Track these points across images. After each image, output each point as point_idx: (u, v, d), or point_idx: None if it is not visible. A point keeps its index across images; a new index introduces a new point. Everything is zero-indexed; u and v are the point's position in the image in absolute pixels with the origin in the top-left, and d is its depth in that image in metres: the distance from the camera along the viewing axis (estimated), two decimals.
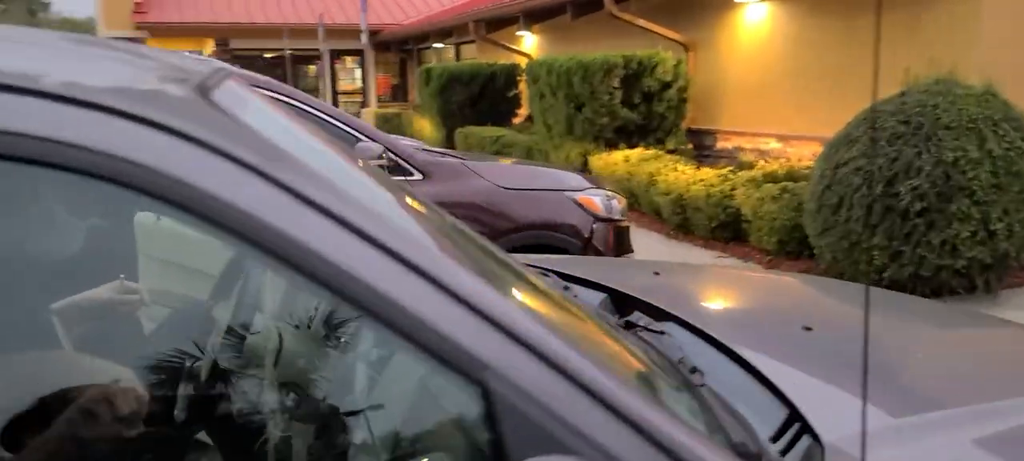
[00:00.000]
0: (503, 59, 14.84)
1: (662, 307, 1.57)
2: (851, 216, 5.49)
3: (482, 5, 14.78)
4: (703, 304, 1.75)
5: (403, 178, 3.74)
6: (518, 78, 13.76)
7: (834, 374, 1.32)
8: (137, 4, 20.95)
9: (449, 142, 14.28)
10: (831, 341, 1.49)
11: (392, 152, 3.75)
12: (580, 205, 4.16)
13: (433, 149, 4.88)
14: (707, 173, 7.64)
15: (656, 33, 10.64)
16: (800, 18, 8.81)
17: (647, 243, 7.72)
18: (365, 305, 0.81)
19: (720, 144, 10.29)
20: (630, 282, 1.97)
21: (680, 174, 7.86)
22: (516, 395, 0.80)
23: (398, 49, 22.52)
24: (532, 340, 0.83)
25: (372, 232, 0.84)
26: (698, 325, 1.47)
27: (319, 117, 3.63)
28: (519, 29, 14.15)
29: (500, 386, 0.80)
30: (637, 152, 9.02)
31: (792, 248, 6.48)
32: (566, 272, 1.88)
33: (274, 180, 0.80)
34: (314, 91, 22.00)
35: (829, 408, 1.19)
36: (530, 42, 15.21)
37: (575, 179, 4.41)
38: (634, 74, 9.48)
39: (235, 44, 22.18)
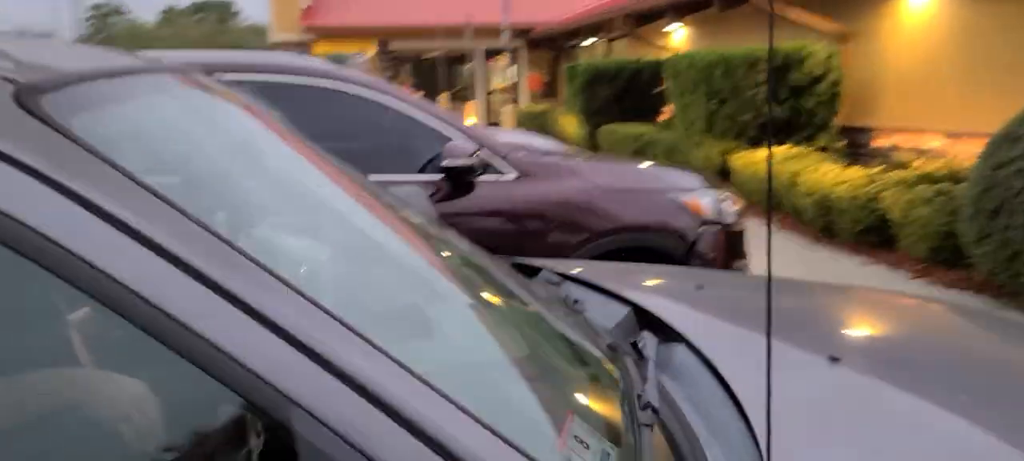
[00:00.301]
0: (652, 54, 14.52)
1: (674, 327, 1.42)
2: (1012, 222, 4.93)
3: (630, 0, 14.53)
4: (726, 323, 1.57)
5: (496, 177, 3.69)
6: (663, 74, 13.42)
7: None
8: (307, 9, 22.20)
9: (592, 140, 14.15)
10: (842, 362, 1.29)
11: (488, 152, 3.70)
12: (685, 207, 3.95)
13: (540, 147, 4.79)
14: (854, 173, 7.10)
15: (808, 25, 10.03)
16: (970, 4, 8.01)
17: (785, 247, 7.29)
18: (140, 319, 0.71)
19: (876, 142, 9.55)
20: (662, 295, 1.81)
21: (824, 174, 7.35)
22: (326, 439, 0.70)
23: (550, 46, 22.58)
24: (359, 374, 0.73)
25: (172, 246, 0.74)
26: (702, 348, 1.31)
27: (407, 115, 3.63)
28: (668, 23, 13.80)
29: (306, 428, 0.70)
30: (780, 150, 8.54)
31: (946, 256, 5.90)
32: (597, 283, 1.75)
33: (66, 191, 0.73)
34: (467, 89, 22.50)
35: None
36: (680, 36, 14.81)
37: (684, 179, 4.19)
38: (780, 68, 8.97)
39: (395, 45, 23.08)
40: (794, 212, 7.95)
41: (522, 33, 23.09)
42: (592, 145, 14.21)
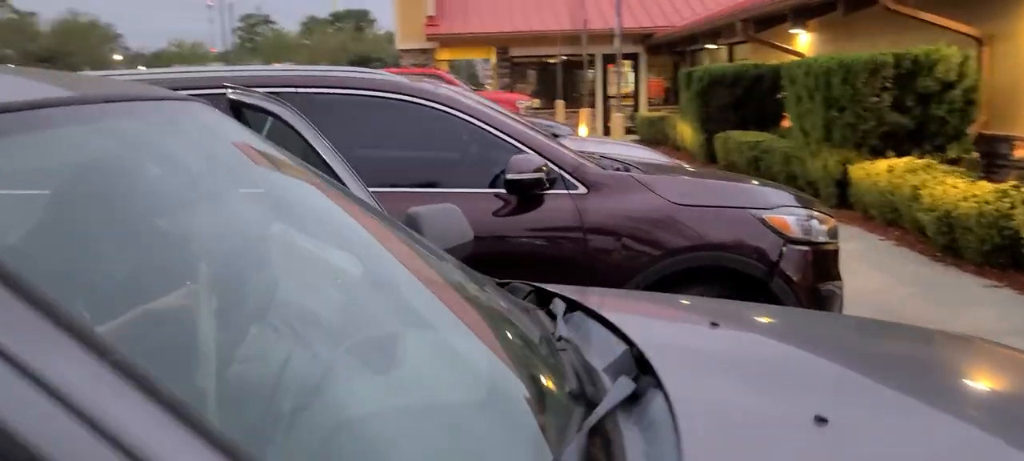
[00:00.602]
0: (775, 60, 13.97)
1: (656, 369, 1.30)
2: None
3: (750, 4, 14.02)
4: (725, 376, 1.42)
5: (563, 192, 3.59)
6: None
7: None
8: (429, 18, 22.72)
9: (708, 147, 13.74)
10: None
11: (554, 164, 3.61)
12: (768, 224, 3.72)
13: (640, 159, 4.65)
14: (983, 187, 6.53)
15: (942, 26, 9.36)
16: None
17: (901, 265, 6.80)
18: None
19: (1019, 152, 8.77)
20: (666, 331, 1.69)
21: (949, 188, 6.81)
22: None
23: (670, 52, 22.15)
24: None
25: None
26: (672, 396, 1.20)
27: (474, 127, 3.59)
28: (791, 27, 13.22)
29: None
30: (904, 161, 7.98)
31: None
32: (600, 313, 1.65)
33: None
34: (588, 96, 22.36)
35: None
36: (804, 40, 14.16)
37: (771, 196, 3.94)
38: (907, 74, 8.40)
39: (515, 52, 23.28)
40: (915, 228, 7.41)
41: (643, 38, 22.77)
42: (708, 153, 13.81)
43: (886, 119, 8.47)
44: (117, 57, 67.06)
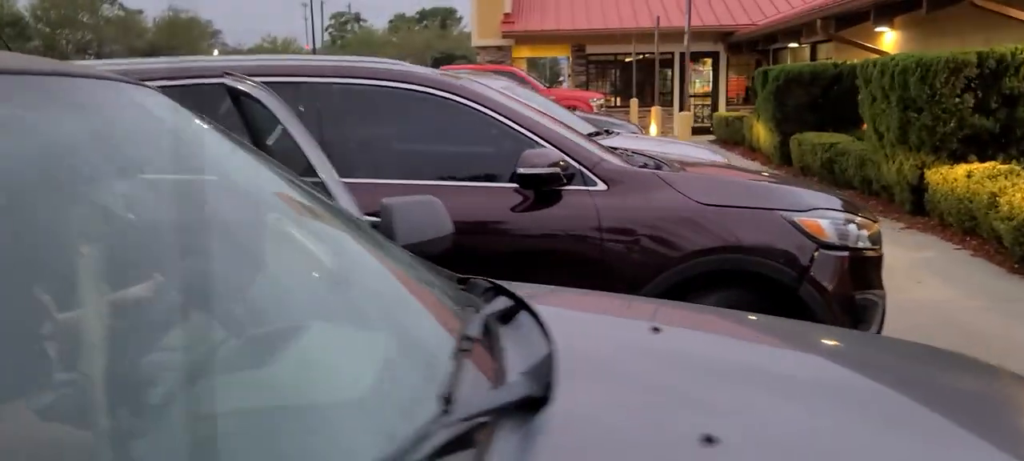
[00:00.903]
0: (859, 58, 13.38)
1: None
2: None
3: (831, 1, 13.48)
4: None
5: (581, 188, 3.46)
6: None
7: None
8: (506, 15, 22.73)
9: (783, 149, 13.27)
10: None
11: (572, 159, 3.48)
12: (799, 227, 3.50)
13: (639, 155, 4.46)
14: None
15: None
16: None
17: (972, 275, 6.37)
18: None
19: None
20: (591, 330, 1.57)
21: None
22: None
23: (752, 50, 21.55)
24: None
25: None
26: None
27: (490, 117, 3.49)
28: (875, 25, 12.65)
29: None
30: (985, 167, 7.50)
31: None
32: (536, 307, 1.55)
33: None
34: (665, 95, 21.98)
35: None
36: (889, 39, 13.53)
37: (806, 197, 3.72)
38: (991, 73, 7.88)
39: (591, 50, 23.08)
40: (993, 238, 6.94)
41: (724, 36, 22.23)
42: (782, 154, 13.34)
43: (967, 121, 7.97)
44: (215, 52, 69.67)
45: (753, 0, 22.42)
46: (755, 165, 13.95)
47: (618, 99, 22.92)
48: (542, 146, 3.48)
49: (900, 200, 8.87)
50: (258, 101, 2.38)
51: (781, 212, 3.52)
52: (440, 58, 51.24)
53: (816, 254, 3.48)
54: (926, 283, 6.29)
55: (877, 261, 3.78)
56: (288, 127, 2.32)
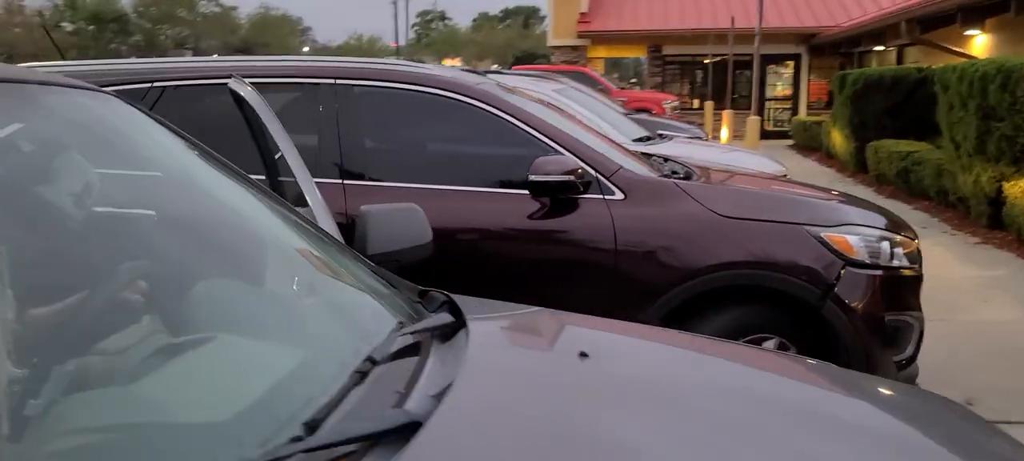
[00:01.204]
0: (946, 63, 12.76)
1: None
2: None
3: (915, 3, 12.90)
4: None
5: (597, 197, 3.39)
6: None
7: None
8: (582, 15, 22.60)
9: (859, 156, 12.77)
10: None
11: (589, 167, 3.41)
12: (825, 243, 3.34)
13: (673, 162, 4.34)
14: None
15: None
16: None
17: None
18: None
19: None
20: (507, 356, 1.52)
21: None
22: None
23: (834, 53, 20.82)
24: None
25: None
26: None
27: (507, 122, 3.45)
28: (963, 29, 12.05)
29: None
30: None
31: None
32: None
33: None
34: (743, 97, 21.45)
35: None
36: (980, 43, 12.86)
37: (836, 212, 3.55)
38: None
39: (668, 50, 22.73)
40: None
41: (806, 38, 21.57)
42: (858, 162, 12.84)
43: None
44: (305, 49, 71.57)
45: (838, 1, 21.66)
46: (829, 173, 13.48)
47: (697, 101, 22.48)
48: (559, 152, 3.42)
49: (976, 213, 8.42)
50: (249, 104, 2.41)
51: (806, 226, 3.38)
52: (521, 57, 51.29)
53: (843, 271, 3.33)
54: (994, 302, 5.96)
55: (914, 281, 3.59)
56: (269, 128, 2.34)
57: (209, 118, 3.32)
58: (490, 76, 5.80)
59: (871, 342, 3.34)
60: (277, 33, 67.40)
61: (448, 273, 3.33)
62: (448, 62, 37.15)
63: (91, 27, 48.99)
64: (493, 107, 3.48)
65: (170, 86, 3.45)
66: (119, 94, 1.77)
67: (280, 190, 2.59)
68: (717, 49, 20.93)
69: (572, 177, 3.32)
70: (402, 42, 63.32)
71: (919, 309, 3.59)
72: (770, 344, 3.39)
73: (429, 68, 3.72)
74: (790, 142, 19.53)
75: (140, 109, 1.79)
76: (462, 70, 8.49)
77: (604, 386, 1.38)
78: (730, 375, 1.58)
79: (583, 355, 1.49)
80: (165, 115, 3.41)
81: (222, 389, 1.21)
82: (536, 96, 4.21)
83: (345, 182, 3.38)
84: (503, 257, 3.39)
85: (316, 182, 3.33)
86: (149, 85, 3.44)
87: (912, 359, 3.54)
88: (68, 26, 48.28)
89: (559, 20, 22.92)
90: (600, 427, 1.20)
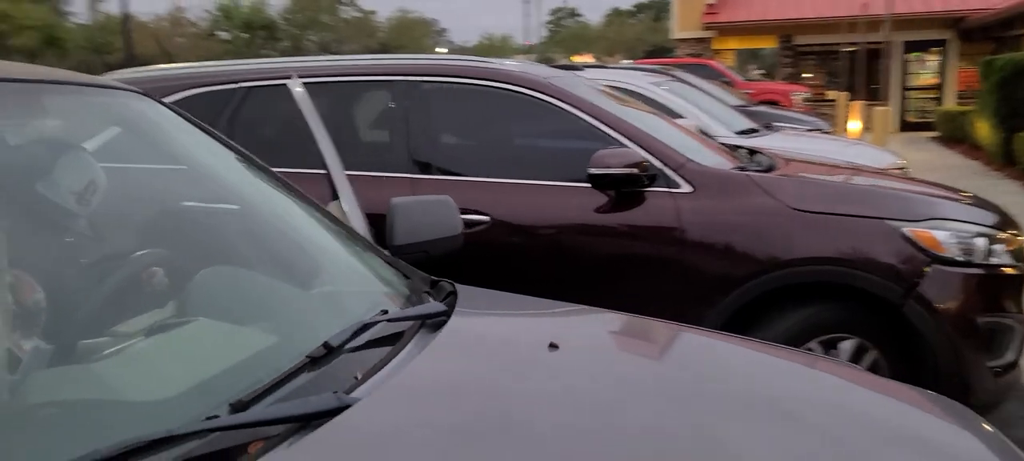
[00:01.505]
0: None
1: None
2: None
3: None
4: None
5: (664, 190, 3.30)
6: None
7: None
8: (709, 6, 22.02)
9: (1006, 147, 11.80)
10: None
11: (655, 160, 3.33)
12: (910, 239, 3.11)
13: (753, 154, 4.16)
14: None
15: None
16: None
17: None
18: None
19: None
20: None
21: None
22: None
23: (986, 38, 19.31)
24: None
25: None
26: None
27: (573, 115, 3.41)
28: None
29: None
30: None
31: None
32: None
33: None
34: (881, 87, 20.27)
35: None
36: None
37: (928, 206, 3.29)
38: None
39: (799, 40, 21.80)
40: None
41: (954, 22, 20.14)
42: (1005, 153, 11.87)
43: None
44: (441, 49, 73.45)
45: None
46: (972, 167, 12.55)
47: (832, 93, 21.40)
48: (623, 145, 3.37)
49: None
50: (292, 100, 2.52)
51: (889, 221, 3.17)
52: (651, 51, 50.56)
53: (928, 269, 3.10)
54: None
55: (1016, 280, 3.30)
56: (310, 123, 2.43)
57: (278, 115, 3.48)
58: (578, 72, 5.77)
59: (961, 345, 3.10)
60: (412, 35, 69.48)
61: (510, 266, 3.37)
62: (577, 58, 37.07)
63: (245, 35, 52.16)
64: (557, 100, 3.47)
65: (256, 86, 3.64)
66: (150, 94, 1.89)
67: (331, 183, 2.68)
68: (853, 38, 19.86)
69: (635, 170, 3.26)
70: (534, 40, 63.75)
71: (1020, 310, 3.30)
72: (847, 345, 3.22)
73: (492, 62, 3.74)
74: (934, 134, 18.30)
75: (173, 109, 1.91)
76: (587, 65, 8.47)
77: (562, 376, 1.36)
78: (688, 364, 1.52)
79: (553, 347, 1.47)
80: (246, 113, 3.62)
81: (179, 370, 1.27)
82: (605, 89, 4.14)
83: (412, 176, 3.46)
84: (567, 250, 3.37)
85: (386, 176, 3.48)
86: (236, 85, 3.65)
87: (1013, 365, 3.26)
88: (224, 34, 51.59)
89: (685, 12, 22.44)
90: (539, 418, 1.18)
